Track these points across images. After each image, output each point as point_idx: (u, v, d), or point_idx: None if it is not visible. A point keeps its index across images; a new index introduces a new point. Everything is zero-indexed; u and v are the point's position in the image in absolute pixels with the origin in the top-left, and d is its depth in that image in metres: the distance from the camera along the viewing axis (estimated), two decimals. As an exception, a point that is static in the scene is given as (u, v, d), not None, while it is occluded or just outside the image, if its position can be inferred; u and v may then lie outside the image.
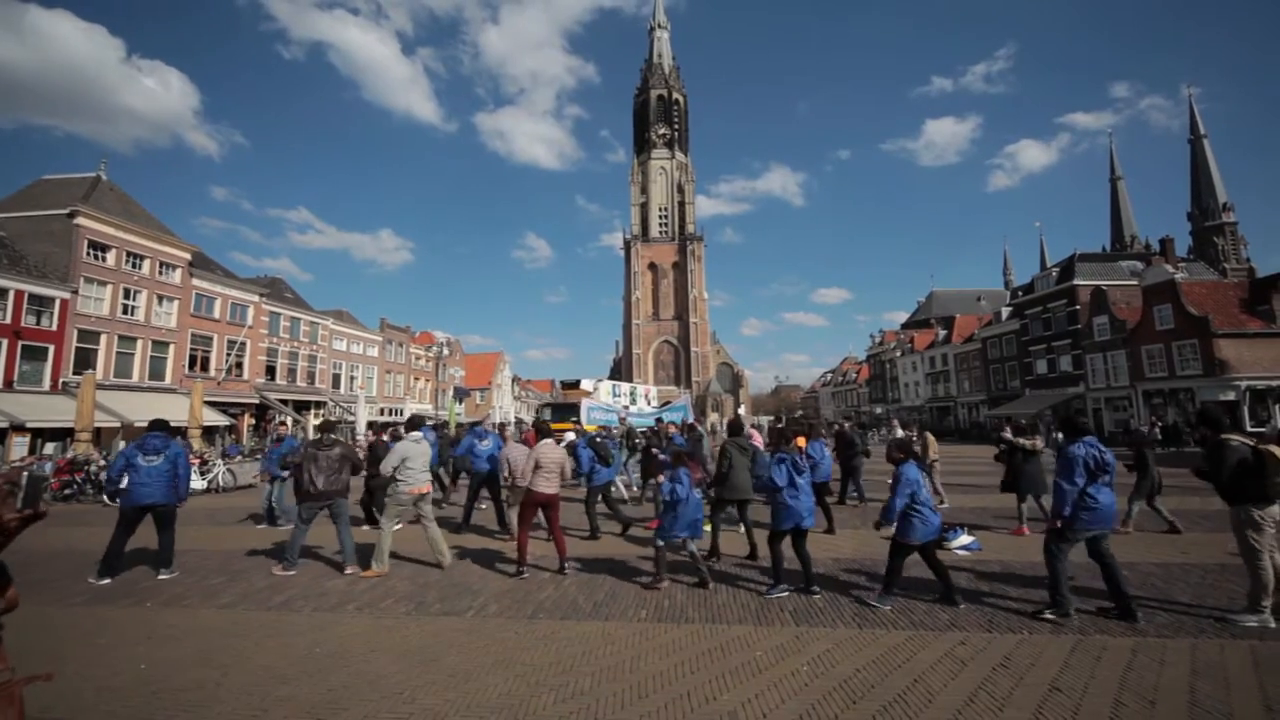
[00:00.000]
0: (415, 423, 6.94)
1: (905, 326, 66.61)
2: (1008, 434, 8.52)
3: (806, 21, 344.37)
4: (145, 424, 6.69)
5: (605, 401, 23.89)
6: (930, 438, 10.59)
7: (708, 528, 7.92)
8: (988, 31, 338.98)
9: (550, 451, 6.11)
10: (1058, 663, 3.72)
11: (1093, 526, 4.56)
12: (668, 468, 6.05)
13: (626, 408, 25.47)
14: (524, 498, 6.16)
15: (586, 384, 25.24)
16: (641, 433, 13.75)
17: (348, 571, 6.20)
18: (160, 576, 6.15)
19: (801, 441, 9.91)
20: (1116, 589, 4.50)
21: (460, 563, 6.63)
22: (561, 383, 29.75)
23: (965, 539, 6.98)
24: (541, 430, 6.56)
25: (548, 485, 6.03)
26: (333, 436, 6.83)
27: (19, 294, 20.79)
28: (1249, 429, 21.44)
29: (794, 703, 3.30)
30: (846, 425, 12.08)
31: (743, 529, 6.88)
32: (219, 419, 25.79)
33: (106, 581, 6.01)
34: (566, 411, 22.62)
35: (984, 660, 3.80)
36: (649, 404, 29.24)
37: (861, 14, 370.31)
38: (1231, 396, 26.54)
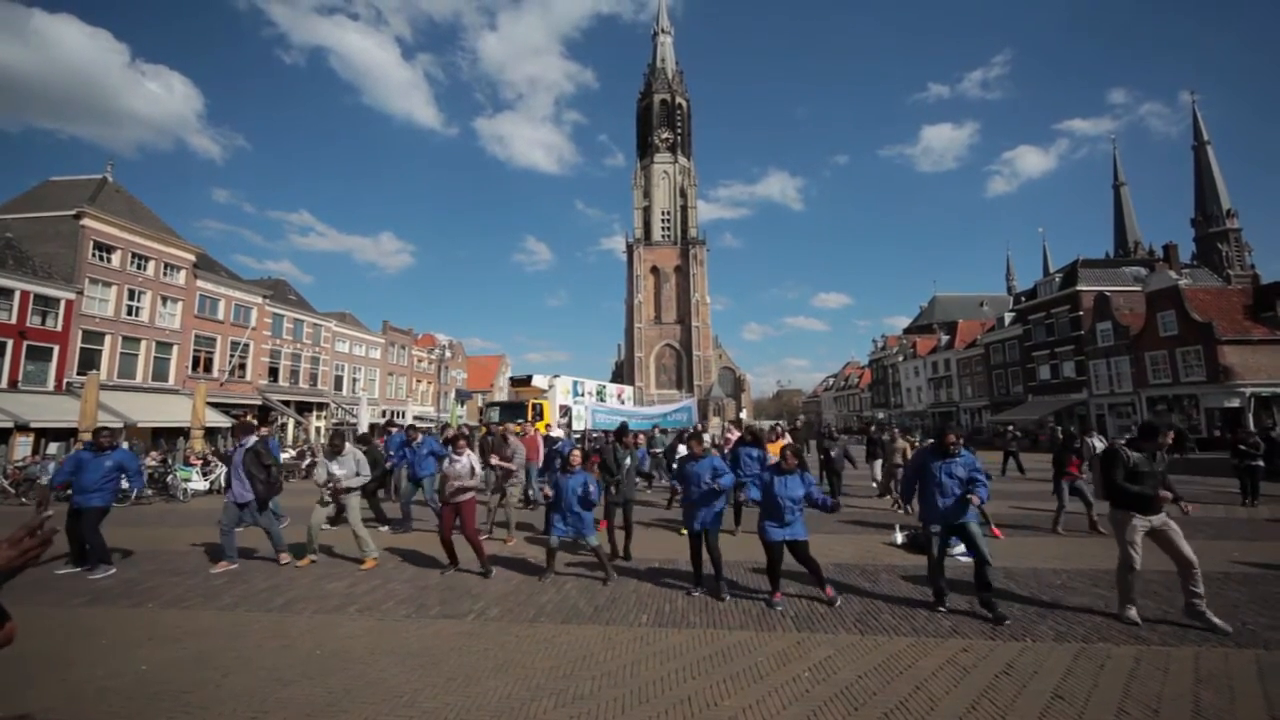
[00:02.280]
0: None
1: (908, 331, 66.53)
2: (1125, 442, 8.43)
3: (802, 28, 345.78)
4: (149, 424, 6.85)
5: (564, 401, 21.45)
6: (900, 442, 10.78)
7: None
8: (984, 38, 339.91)
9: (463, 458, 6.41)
10: (1060, 670, 3.70)
11: (940, 519, 4.94)
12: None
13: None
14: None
15: (539, 380, 22.19)
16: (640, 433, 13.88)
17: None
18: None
19: (776, 448, 10.25)
20: (978, 577, 4.81)
21: (460, 567, 6.62)
22: (511, 379, 24.93)
23: (967, 545, 6.95)
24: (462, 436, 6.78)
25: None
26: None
27: (25, 294, 20.91)
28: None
29: (795, 709, 3.28)
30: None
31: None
32: (221, 420, 25.85)
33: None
34: (515, 411, 20.16)
35: (986, 668, 3.78)
36: (621, 403, 26.32)
37: (857, 20, 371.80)
38: (1236, 403, 26.45)
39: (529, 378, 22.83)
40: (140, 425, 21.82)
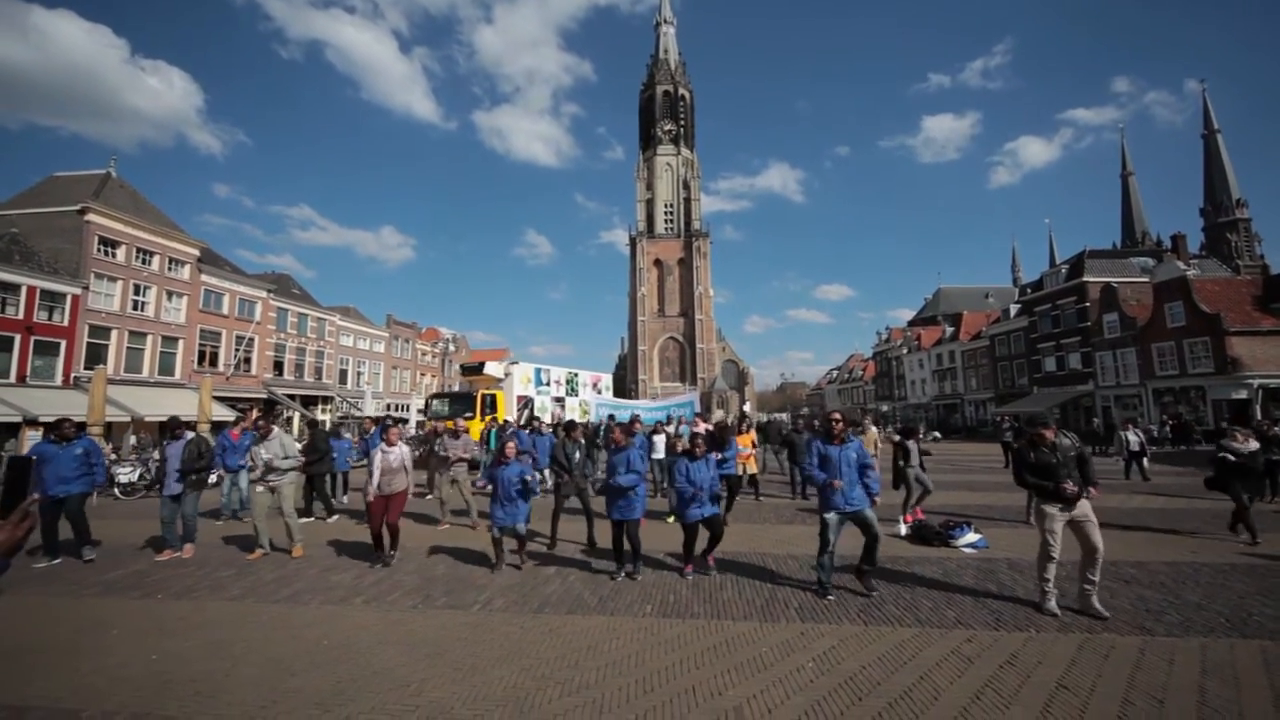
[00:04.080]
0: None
1: (912, 324, 66.20)
2: (1238, 443, 8.25)
3: (801, 20, 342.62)
4: (157, 418, 7.05)
5: (524, 390, 19.79)
6: (870, 432, 11.58)
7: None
8: (985, 28, 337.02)
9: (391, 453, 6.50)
10: (1065, 661, 3.70)
11: (839, 508, 5.03)
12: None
13: (560, 400, 21.86)
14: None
15: (492, 368, 20.11)
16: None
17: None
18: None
19: (746, 440, 10.45)
20: (867, 552, 5.09)
21: (465, 559, 6.67)
22: (462, 366, 22.52)
23: (972, 536, 6.95)
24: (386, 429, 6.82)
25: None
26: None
27: (31, 290, 21.02)
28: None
29: (799, 698, 3.30)
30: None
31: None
32: (227, 414, 25.99)
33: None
34: (463, 404, 18.31)
35: (990, 658, 3.78)
36: (597, 392, 24.87)
37: (857, 11, 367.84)
38: (1244, 395, 26.24)
39: (481, 365, 20.52)
40: (147, 419, 21.98)
